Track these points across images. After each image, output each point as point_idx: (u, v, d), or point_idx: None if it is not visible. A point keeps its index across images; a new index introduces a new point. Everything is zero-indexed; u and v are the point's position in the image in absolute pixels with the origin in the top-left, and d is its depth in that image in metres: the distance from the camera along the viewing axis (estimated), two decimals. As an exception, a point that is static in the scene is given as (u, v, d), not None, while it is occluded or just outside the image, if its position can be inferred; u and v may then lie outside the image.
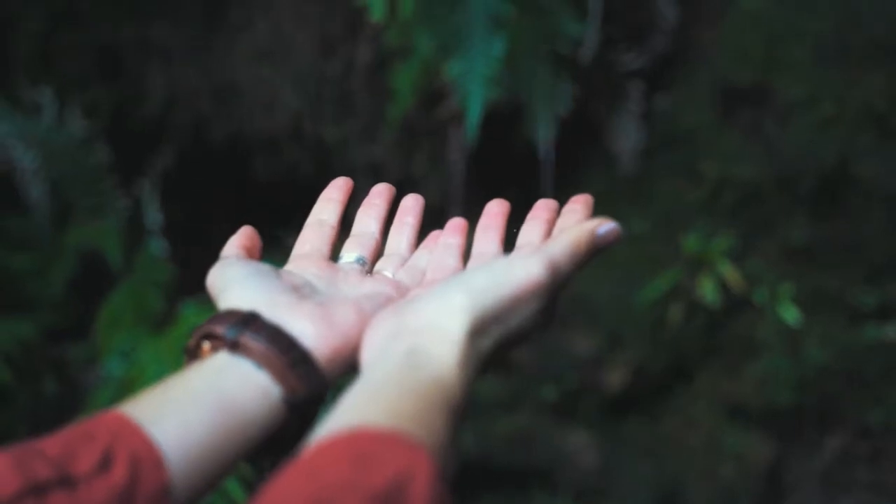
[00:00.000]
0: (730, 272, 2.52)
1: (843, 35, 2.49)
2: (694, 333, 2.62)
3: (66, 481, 0.58)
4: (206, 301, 2.39)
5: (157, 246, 2.58)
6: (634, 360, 2.66)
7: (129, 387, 2.26)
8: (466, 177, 2.54)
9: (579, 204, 0.80)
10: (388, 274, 0.82)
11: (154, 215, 2.62)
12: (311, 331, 0.69)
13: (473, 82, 2.18)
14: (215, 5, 2.62)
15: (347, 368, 0.71)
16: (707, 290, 2.52)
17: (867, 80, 2.47)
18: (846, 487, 2.58)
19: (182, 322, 2.39)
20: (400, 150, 2.57)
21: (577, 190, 0.80)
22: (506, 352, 0.71)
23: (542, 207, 0.82)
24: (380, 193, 0.88)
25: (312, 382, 0.68)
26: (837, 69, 2.50)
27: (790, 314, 2.52)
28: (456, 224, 0.85)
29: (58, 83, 2.55)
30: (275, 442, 0.68)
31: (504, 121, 2.41)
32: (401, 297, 0.77)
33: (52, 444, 0.60)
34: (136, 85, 2.64)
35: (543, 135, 2.42)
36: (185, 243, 2.58)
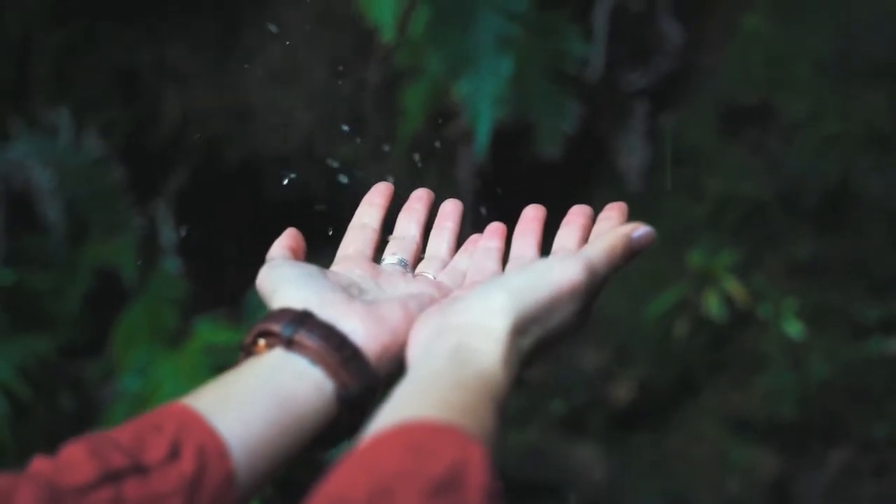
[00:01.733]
0: (735, 287, 2.54)
1: (844, 55, 2.51)
2: (700, 348, 2.64)
3: (139, 469, 0.61)
4: (220, 318, 2.43)
5: (172, 264, 2.61)
6: (641, 374, 2.68)
7: (145, 403, 2.28)
8: (476, 194, 2.56)
9: (614, 211, 0.83)
10: (430, 276, 0.85)
11: (168, 234, 2.65)
12: (361, 329, 0.72)
13: (482, 101, 2.20)
14: (229, 29, 2.66)
15: (395, 364, 0.73)
16: (713, 305, 2.54)
17: (868, 99, 2.50)
18: (851, 501, 2.59)
19: (196, 338, 2.42)
20: (410, 169, 2.60)
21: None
22: (545, 351, 0.73)
23: (578, 213, 0.84)
24: (419, 199, 0.91)
25: (363, 378, 0.71)
26: (839, 88, 2.52)
27: (794, 329, 2.54)
28: (495, 228, 0.87)
29: (75, 104, 2.58)
30: (328, 435, 0.71)
31: (512, 139, 2.43)
32: (443, 297, 0.80)
33: (123, 434, 0.63)
34: (152, 106, 2.67)
35: (551, 152, 2.45)
36: (199, 261, 2.61)
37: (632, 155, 2.71)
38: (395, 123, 2.51)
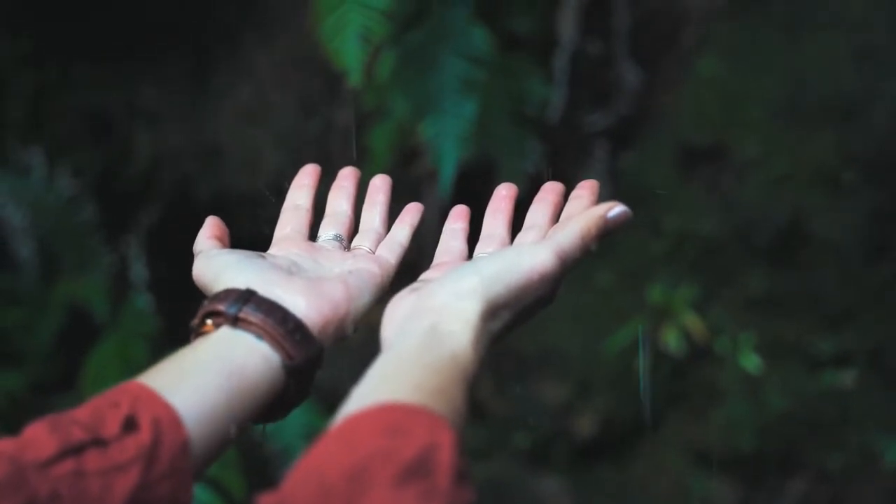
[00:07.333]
0: (693, 322, 2.58)
1: (794, 98, 2.57)
2: (660, 381, 2.68)
3: (98, 442, 0.64)
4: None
5: (143, 300, 2.62)
6: (603, 407, 2.71)
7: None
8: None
9: (585, 190, 0.83)
10: (366, 248, 0.88)
11: (140, 270, 2.66)
12: (302, 303, 0.76)
13: (446, 142, 2.25)
14: (200, 70, 2.69)
15: (339, 336, 0.77)
16: (671, 340, 2.58)
17: (818, 140, 2.56)
18: (808, 531, 2.62)
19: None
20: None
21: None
22: (512, 331, 0.75)
23: (549, 190, 0.86)
24: (347, 176, 0.93)
25: (308, 349, 0.75)
26: (790, 129, 2.58)
27: (751, 362, 2.58)
28: (459, 210, 0.90)
29: (48, 144, 2.60)
30: (277, 403, 0.75)
31: (476, 178, 2.48)
32: (382, 271, 0.84)
33: (82, 412, 0.66)
34: (123, 145, 2.70)
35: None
36: (169, 298, 2.62)
37: (592, 193, 2.75)
38: (362, 163, 2.55)
